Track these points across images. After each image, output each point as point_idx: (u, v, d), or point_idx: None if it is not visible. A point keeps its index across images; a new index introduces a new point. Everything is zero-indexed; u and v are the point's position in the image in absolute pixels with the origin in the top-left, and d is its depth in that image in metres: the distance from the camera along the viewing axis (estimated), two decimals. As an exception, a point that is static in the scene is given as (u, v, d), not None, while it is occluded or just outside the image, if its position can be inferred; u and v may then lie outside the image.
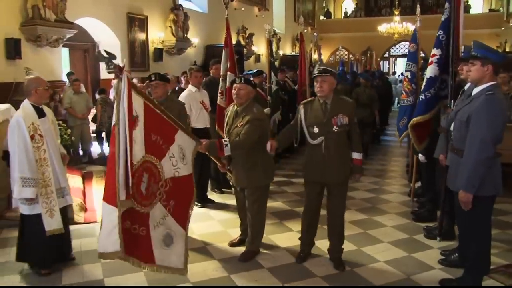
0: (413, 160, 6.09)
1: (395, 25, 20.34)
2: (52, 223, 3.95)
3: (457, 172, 3.53)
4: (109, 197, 2.99)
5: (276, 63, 19.88)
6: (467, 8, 26.76)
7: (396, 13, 20.66)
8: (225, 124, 4.44)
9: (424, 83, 4.82)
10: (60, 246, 4.17)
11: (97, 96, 9.41)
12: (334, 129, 3.92)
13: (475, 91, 3.48)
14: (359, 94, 9.11)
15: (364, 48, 25.27)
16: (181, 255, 3.42)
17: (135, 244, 3.16)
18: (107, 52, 10.77)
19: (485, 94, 3.34)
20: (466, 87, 4.04)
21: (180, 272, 3.43)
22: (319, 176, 4.05)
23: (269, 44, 7.97)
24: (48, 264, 4.07)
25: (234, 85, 4.29)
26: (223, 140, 4.08)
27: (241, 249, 4.48)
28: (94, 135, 9.45)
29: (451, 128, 3.81)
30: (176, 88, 8.26)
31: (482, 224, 3.58)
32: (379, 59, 25.54)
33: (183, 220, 3.49)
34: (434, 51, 4.73)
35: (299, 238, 4.42)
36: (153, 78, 4.61)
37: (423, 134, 4.97)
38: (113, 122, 3.02)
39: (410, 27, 19.16)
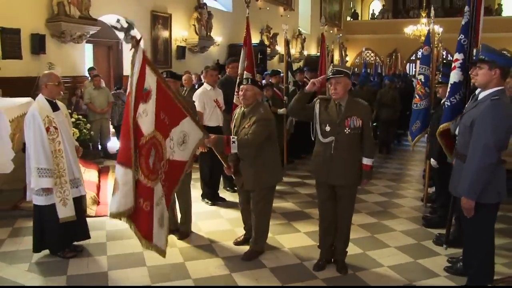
0: (428, 165, 6.00)
1: (422, 27, 20.00)
2: (65, 211, 4.13)
3: (460, 177, 3.47)
4: (125, 159, 3.18)
5: (301, 64, 19.99)
6: (499, 10, 26.22)
7: (423, 15, 20.32)
8: (232, 126, 4.45)
9: (448, 89, 4.68)
10: (74, 232, 4.33)
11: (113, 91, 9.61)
12: (346, 130, 3.86)
13: (481, 95, 3.43)
14: (382, 95, 9.80)
15: (391, 50, 24.96)
16: (165, 238, 3.51)
17: (139, 218, 3.28)
18: (127, 21, 10.86)
19: (490, 99, 3.28)
20: (477, 92, 3.99)
21: (163, 254, 3.48)
22: (325, 176, 3.98)
23: (287, 44, 7.95)
24: (70, 246, 4.29)
25: (242, 86, 4.32)
26: (231, 136, 4.10)
27: (246, 247, 4.50)
28: (113, 130, 9.64)
29: (456, 132, 3.75)
30: (196, 86, 8.30)
31: (485, 232, 3.51)
32: (404, 62, 25.18)
33: (168, 203, 3.56)
34: (457, 55, 4.60)
35: (318, 246, 4.32)
36: (164, 76, 4.66)
37: (453, 142, 4.77)
38: (128, 90, 3.20)
39: (438, 29, 18.85)
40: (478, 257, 3.56)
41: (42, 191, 4.06)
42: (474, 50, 4.29)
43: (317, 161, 4.03)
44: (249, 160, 4.25)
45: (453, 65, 4.66)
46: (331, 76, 3.88)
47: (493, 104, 3.24)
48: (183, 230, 4.90)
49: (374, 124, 11.02)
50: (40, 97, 4.17)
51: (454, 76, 4.56)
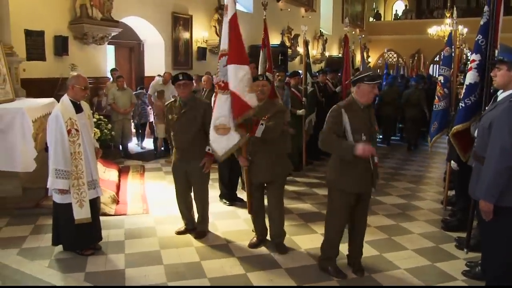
0: (448, 167, 5.93)
1: (446, 27, 19.70)
2: (81, 213, 4.19)
3: (478, 180, 3.41)
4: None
5: (322, 65, 19.91)
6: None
7: (448, 15, 20.00)
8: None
9: (464, 90, 4.63)
10: (89, 232, 4.38)
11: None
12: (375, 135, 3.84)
13: (501, 96, 3.38)
14: (409, 95, 10.48)
15: (414, 51, 24.66)
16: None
17: None
18: None
19: (509, 100, 3.22)
20: (499, 93, 3.92)
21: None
22: (364, 187, 3.83)
23: (306, 45, 7.94)
24: (84, 246, 4.36)
25: (258, 82, 4.39)
26: (261, 119, 4.18)
27: (261, 249, 4.54)
28: (134, 130, 9.77)
29: (475, 134, 3.68)
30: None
31: (504, 235, 3.43)
32: (427, 63, 24.84)
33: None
34: (474, 56, 4.54)
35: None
36: (180, 78, 4.68)
37: (467, 143, 4.62)
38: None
39: (462, 29, 18.55)
40: (496, 261, 3.50)
41: (58, 190, 4.15)
42: (496, 51, 4.21)
43: (354, 175, 3.75)
44: (268, 153, 4.33)
45: (469, 65, 4.60)
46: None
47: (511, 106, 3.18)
48: (199, 230, 4.94)
49: (400, 124, 11.68)
50: (65, 98, 4.24)
51: (470, 77, 4.51)
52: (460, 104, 4.61)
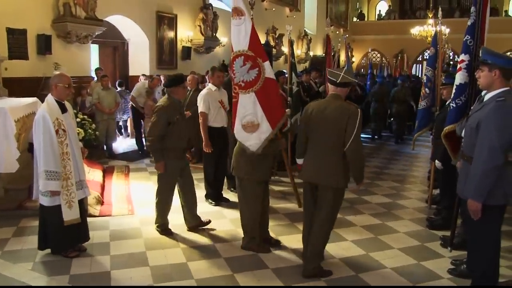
0: (432, 167, 5.98)
1: (428, 28, 19.92)
2: (71, 214, 4.15)
3: (466, 179, 3.45)
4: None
5: (306, 64, 19.97)
6: (507, 11, 26.05)
7: (430, 15, 20.23)
8: None
9: (454, 91, 4.63)
10: (77, 234, 4.34)
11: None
12: None
13: (487, 97, 3.42)
14: (397, 92, 11.61)
15: (397, 51, 24.89)
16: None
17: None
18: None
19: (495, 101, 3.27)
20: (482, 93, 3.97)
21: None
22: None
23: (290, 45, 7.95)
24: (72, 246, 4.31)
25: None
26: None
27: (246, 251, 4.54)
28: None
29: (462, 134, 3.73)
30: (200, 87, 8.32)
31: (491, 234, 3.49)
32: (410, 62, 25.10)
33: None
34: (463, 56, 4.54)
35: None
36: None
37: (457, 144, 4.56)
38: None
39: (444, 30, 18.77)
40: (483, 259, 3.54)
41: (48, 192, 4.08)
42: (480, 51, 4.26)
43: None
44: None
45: (458, 66, 4.63)
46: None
47: (498, 105, 3.23)
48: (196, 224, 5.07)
49: (389, 119, 12.75)
50: (50, 98, 4.17)
51: (460, 77, 4.51)
52: (451, 104, 4.61)
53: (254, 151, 4.22)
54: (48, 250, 4.31)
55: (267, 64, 4.19)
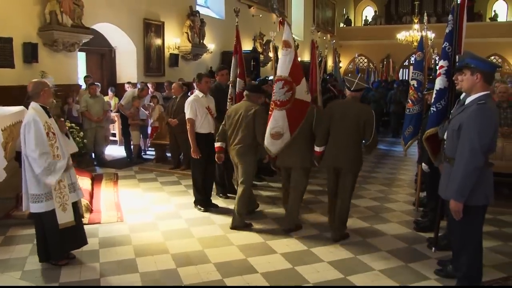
0: (419, 169, 6.05)
1: (414, 33, 20.16)
2: (65, 217, 4.17)
3: (448, 180, 3.52)
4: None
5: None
6: (495, 16, 26.46)
7: (416, 21, 20.48)
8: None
9: (434, 95, 4.77)
10: (74, 238, 4.37)
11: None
12: None
13: (468, 100, 3.50)
14: (393, 94, 13.70)
15: (383, 56, 25.15)
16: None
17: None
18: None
19: (476, 104, 3.35)
20: (461, 97, 4.06)
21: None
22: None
23: (275, 51, 8.01)
24: (64, 255, 4.30)
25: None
26: None
27: (238, 253, 4.55)
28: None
29: (444, 137, 3.80)
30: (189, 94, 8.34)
31: (473, 234, 3.57)
32: (397, 67, 25.35)
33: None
34: (442, 62, 4.71)
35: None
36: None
37: (437, 146, 4.76)
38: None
39: (430, 35, 19.00)
40: (466, 259, 3.61)
41: (43, 197, 4.08)
42: (457, 57, 4.38)
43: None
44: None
45: (438, 71, 4.77)
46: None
47: (479, 108, 3.31)
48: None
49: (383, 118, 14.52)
50: (35, 104, 4.18)
51: (440, 82, 4.66)
52: (432, 108, 4.75)
53: (274, 153, 5.15)
54: (37, 259, 4.28)
55: (299, 87, 5.02)
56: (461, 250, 3.67)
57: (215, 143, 5.59)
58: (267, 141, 5.11)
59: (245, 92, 5.61)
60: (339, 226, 4.99)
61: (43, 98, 4.21)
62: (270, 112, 5.11)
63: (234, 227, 5.29)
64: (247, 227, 5.33)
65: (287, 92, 4.95)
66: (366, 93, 12.78)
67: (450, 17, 4.72)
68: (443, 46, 4.74)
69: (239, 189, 5.38)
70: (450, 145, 3.58)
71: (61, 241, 4.20)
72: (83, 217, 5.15)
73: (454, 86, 4.38)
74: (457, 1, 4.66)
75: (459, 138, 3.40)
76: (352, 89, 4.83)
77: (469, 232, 3.55)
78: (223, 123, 5.55)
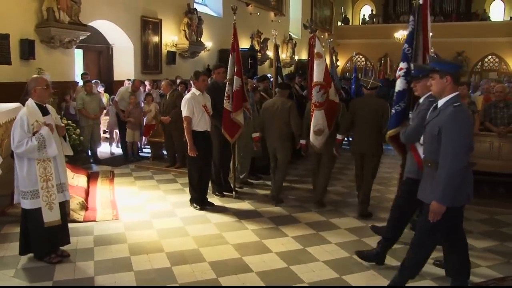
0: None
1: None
2: (51, 215, 4.17)
3: (432, 184, 3.45)
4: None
5: (291, 68, 20.08)
6: (484, 15, 26.48)
7: (413, 20, 20.49)
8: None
9: (394, 97, 4.76)
10: (57, 237, 4.35)
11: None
12: None
13: (441, 103, 3.47)
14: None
15: (381, 54, 25.16)
16: None
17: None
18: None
19: (452, 106, 3.34)
20: (420, 100, 4.13)
21: None
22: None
23: (276, 49, 8.00)
24: (53, 249, 4.29)
25: None
26: None
27: (234, 252, 4.55)
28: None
29: (421, 141, 3.78)
30: (186, 92, 8.33)
31: (459, 234, 3.62)
32: (394, 66, 25.34)
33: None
34: (401, 64, 4.69)
35: None
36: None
37: (403, 145, 4.67)
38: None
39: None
40: (414, 254, 3.64)
41: (29, 195, 4.08)
42: (412, 65, 4.36)
43: None
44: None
45: (397, 73, 4.75)
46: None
47: (457, 111, 3.31)
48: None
49: None
50: (30, 102, 4.18)
51: (399, 84, 4.64)
52: (391, 110, 4.76)
53: (318, 147, 5.89)
54: (31, 256, 4.29)
55: (331, 89, 5.77)
56: (449, 251, 3.67)
57: (253, 134, 6.53)
58: (312, 137, 5.83)
59: (276, 89, 6.78)
60: (365, 200, 5.86)
61: (36, 96, 4.19)
62: (312, 113, 5.81)
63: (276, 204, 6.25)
64: (281, 203, 6.29)
65: (323, 95, 5.70)
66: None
67: (411, 18, 4.69)
68: (403, 47, 4.72)
69: (279, 171, 6.33)
70: (430, 149, 3.54)
71: (43, 238, 4.21)
72: (69, 217, 5.12)
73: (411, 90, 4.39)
74: (419, 1, 4.63)
75: (439, 142, 3.38)
76: (368, 87, 5.74)
77: (437, 232, 3.54)
78: (260, 114, 6.54)
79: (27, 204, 4.14)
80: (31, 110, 4.11)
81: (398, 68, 4.79)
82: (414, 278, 3.76)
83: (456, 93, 3.43)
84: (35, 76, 4.40)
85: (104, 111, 9.96)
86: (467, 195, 3.45)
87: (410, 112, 4.45)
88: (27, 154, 4.03)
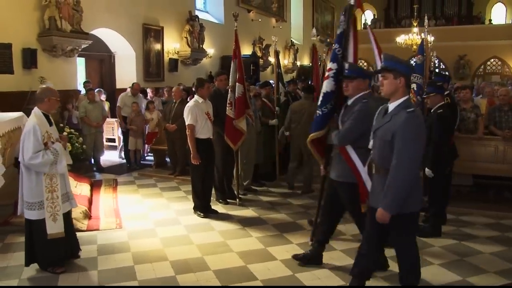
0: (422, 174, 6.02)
1: (413, 36, 20.16)
2: (54, 227, 4.14)
3: (381, 190, 3.32)
4: None
5: (294, 74, 20.08)
6: (491, 20, 26.46)
7: (415, 24, 20.50)
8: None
9: (320, 98, 4.47)
10: (67, 245, 4.37)
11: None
12: None
13: (391, 107, 3.32)
14: None
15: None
16: None
17: None
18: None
19: (406, 112, 3.18)
20: (349, 102, 4.04)
21: None
22: None
23: (276, 55, 8.00)
24: (59, 263, 4.27)
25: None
26: None
27: (237, 260, 4.51)
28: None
29: (370, 146, 3.56)
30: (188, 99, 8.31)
31: (413, 240, 3.49)
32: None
33: None
34: (330, 65, 4.42)
35: None
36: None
37: (324, 149, 4.60)
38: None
39: (429, 38, 19.01)
40: (412, 267, 3.52)
41: (36, 205, 4.07)
42: (346, 65, 4.15)
43: None
44: None
45: (326, 74, 4.51)
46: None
47: (411, 117, 3.16)
48: None
49: None
50: (38, 111, 4.18)
51: (327, 85, 4.39)
52: (317, 112, 4.47)
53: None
54: (35, 267, 4.27)
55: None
56: (404, 257, 3.53)
57: (285, 132, 7.30)
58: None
59: (302, 93, 7.65)
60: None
61: (47, 106, 4.22)
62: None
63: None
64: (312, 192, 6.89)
65: None
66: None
67: (342, 18, 4.50)
68: (333, 48, 4.49)
69: (306, 168, 7.08)
70: (381, 155, 3.37)
71: (48, 250, 4.18)
72: (76, 226, 5.11)
73: (340, 89, 4.20)
74: (350, 2, 4.48)
75: (392, 148, 3.23)
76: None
77: (410, 239, 3.46)
78: (288, 115, 7.13)
79: (33, 214, 4.12)
80: (41, 119, 4.13)
81: (327, 69, 4.52)
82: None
83: (407, 97, 3.29)
84: (48, 86, 4.45)
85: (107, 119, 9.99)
86: (420, 200, 3.37)
87: (336, 114, 4.28)
88: (39, 167, 4.02)
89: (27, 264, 4.25)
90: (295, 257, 4.52)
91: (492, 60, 24.94)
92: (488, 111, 7.18)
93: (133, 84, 9.52)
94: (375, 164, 3.46)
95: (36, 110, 4.17)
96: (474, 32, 24.07)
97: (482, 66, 25.18)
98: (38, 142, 3.99)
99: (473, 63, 24.71)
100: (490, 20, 26.98)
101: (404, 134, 3.16)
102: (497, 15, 27.16)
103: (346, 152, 3.97)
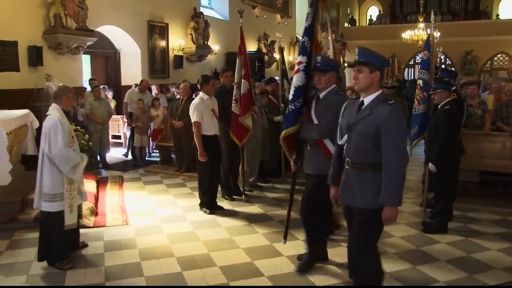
0: (427, 170, 5.99)
1: (419, 32, 20.05)
2: (71, 218, 4.29)
3: (362, 187, 3.25)
4: None
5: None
6: (498, 14, 26.26)
7: (421, 19, 20.38)
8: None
9: (291, 93, 4.30)
10: (73, 240, 4.52)
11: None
12: None
13: (367, 101, 3.23)
14: (407, 92, 12.78)
15: (389, 55, 24.92)
16: None
17: None
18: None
19: (388, 104, 3.13)
20: (321, 95, 4.00)
21: None
22: None
23: (281, 51, 7.98)
24: (67, 256, 4.34)
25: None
26: None
27: (243, 255, 4.51)
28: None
29: (342, 142, 3.43)
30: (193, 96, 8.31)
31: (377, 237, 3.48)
32: (402, 67, 25.26)
33: None
34: (300, 58, 4.29)
35: None
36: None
37: (292, 144, 4.45)
38: None
39: (436, 34, 18.91)
40: (371, 261, 3.50)
41: (58, 197, 4.17)
42: (318, 58, 4.07)
43: None
44: None
45: (296, 67, 4.35)
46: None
47: (395, 109, 3.12)
48: None
49: None
50: (57, 107, 4.28)
51: (298, 79, 4.23)
52: (290, 107, 4.29)
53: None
54: (43, 264, 4.28)
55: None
56: (363, 255, 3.51)
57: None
58: None
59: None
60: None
61: (64, 102, 4.35)
62: None
63: None
64: None
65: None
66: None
67: (309, 10, 4.38)
68: (302, 40, 4.36)
69: None
70: (361, 150, 3.25)
71: (63, 241, 4.27)
72: (82, 222, 5.20)
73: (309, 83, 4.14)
74: None
75: (374, 142, 3.15)
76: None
77: (377, 236, 3.45)
78: None
79: (53, 206, 4.20)
80: (62, 114, 4.24)
81: (297, 62, 4.37)
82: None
83: (380, 91, 3.25)
84: (63, 84, 4.68)
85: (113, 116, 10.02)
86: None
87: (304, 108, 4.17)
88: (67, 160, 4.13)
89: (41, 259, 4.28)
90: (300, 261, 4.41)
91: (499, 55, 24.76)
92: (495, 107, 7.14)
93: (141, 81, 9.57)
94: (350, 160, 3.33)
95: (56, 106, 4.28)
96: (481, 28, 23.89)
97: (489, 62, 25.00)
98: (66, 134, 4.12)
99: (480, 58, 24.54)
100: (497, 15, 26.76)
101: (389, 126, 3.10)
102: (505, 10, 26.88)
103: (325, 145, 3.96)
